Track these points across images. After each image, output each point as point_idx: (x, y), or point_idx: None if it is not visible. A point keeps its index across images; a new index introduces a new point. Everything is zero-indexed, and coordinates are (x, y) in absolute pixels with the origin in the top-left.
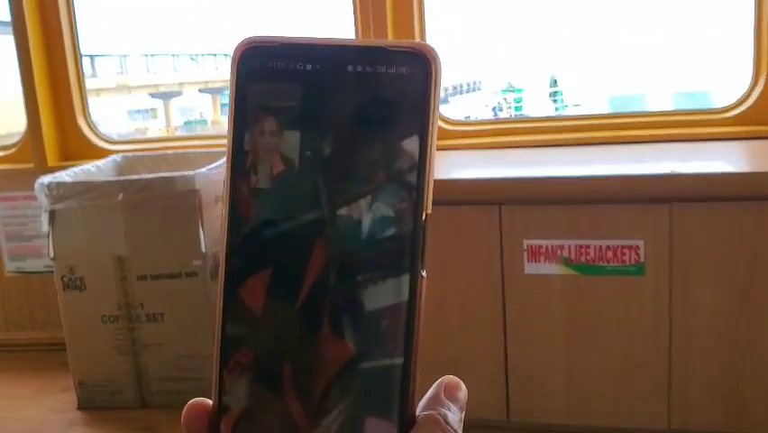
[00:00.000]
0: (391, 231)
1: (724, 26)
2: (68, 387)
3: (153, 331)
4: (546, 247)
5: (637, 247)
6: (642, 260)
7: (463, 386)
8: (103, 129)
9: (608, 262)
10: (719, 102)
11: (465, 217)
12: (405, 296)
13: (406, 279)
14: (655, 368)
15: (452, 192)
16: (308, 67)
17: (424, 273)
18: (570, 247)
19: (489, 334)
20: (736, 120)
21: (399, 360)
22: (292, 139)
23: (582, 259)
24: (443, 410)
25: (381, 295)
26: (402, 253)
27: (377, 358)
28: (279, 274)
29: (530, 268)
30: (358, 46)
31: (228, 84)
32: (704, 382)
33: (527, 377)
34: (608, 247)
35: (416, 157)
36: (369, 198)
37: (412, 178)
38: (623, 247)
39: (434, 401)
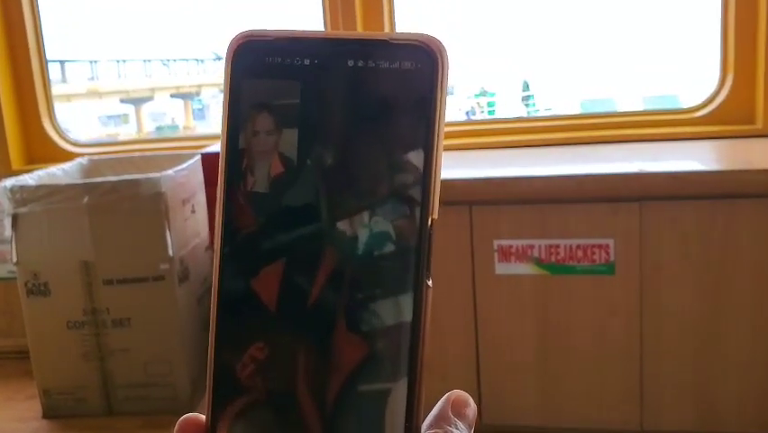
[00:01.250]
0: (395, 237)
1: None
2: (32, 395)
3: (120, 337)
4: (517, 247)
5: (607, 246)
6: (612, 259)
7: (472, 402)
8: (74, 135)
9: (579, 261)
10: (687, 104)
11: None
12: (409, 307)
13: (410, 287)
14: (627, 368)
15: None
16: (306, 62)
17: (429, 282)
18: (540, 247)
19: (459, 335)
20: (704, 120)
21: (405, 374)
22: (290, 138)
23: (553, 259)
24: (450, 429)
25: (385, 304)
26: (407, 259)
27: (384, 371)
28: (289, 276)
29: (501, 268)
30: (359, 39)
31: (222, 80)
32: (676, 382)
33: (499, 378)
34: (578, 246)
35: (422, 158)
36: (372, 200)
37: (417, 180)
38: (593, 246)
39: (441, 418)
